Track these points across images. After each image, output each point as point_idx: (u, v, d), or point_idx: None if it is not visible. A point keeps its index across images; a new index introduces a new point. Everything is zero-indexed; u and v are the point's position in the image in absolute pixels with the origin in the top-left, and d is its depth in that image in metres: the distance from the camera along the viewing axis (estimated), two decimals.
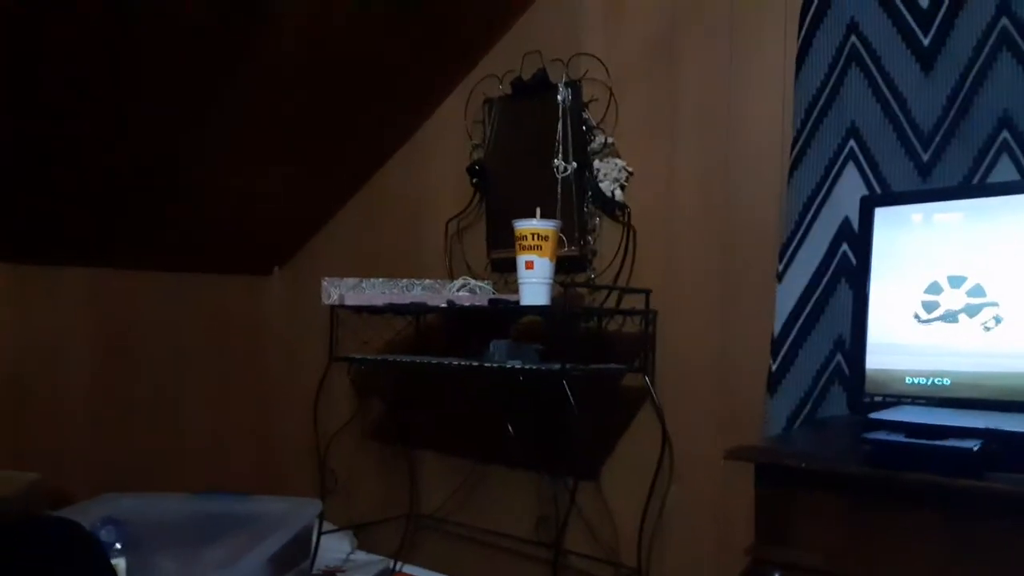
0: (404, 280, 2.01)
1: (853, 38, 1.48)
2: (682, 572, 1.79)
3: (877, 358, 1.29)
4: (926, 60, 1.41)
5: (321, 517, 1.95)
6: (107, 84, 1.72)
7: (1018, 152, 1.32)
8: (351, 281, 1.96)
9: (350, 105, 2.16)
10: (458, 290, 1.96)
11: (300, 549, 1.79)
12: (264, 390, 2.73)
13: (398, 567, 2.34)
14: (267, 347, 2.74)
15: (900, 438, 0.92)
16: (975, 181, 1.35)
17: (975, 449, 0.86)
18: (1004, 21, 1.33)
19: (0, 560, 0.86)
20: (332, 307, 1.99)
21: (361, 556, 2.42)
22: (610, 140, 1.86)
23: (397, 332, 2.30)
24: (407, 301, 1.89)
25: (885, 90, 1.45)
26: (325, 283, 1.95)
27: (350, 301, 1.92)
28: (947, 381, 1.21)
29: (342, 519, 2.39)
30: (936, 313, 1.24)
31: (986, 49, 1.34)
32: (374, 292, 1.95)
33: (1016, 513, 0.83)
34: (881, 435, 0.94)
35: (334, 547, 2.37)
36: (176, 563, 1.39)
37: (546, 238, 1.60)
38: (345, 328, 2.10)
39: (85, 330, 2.23)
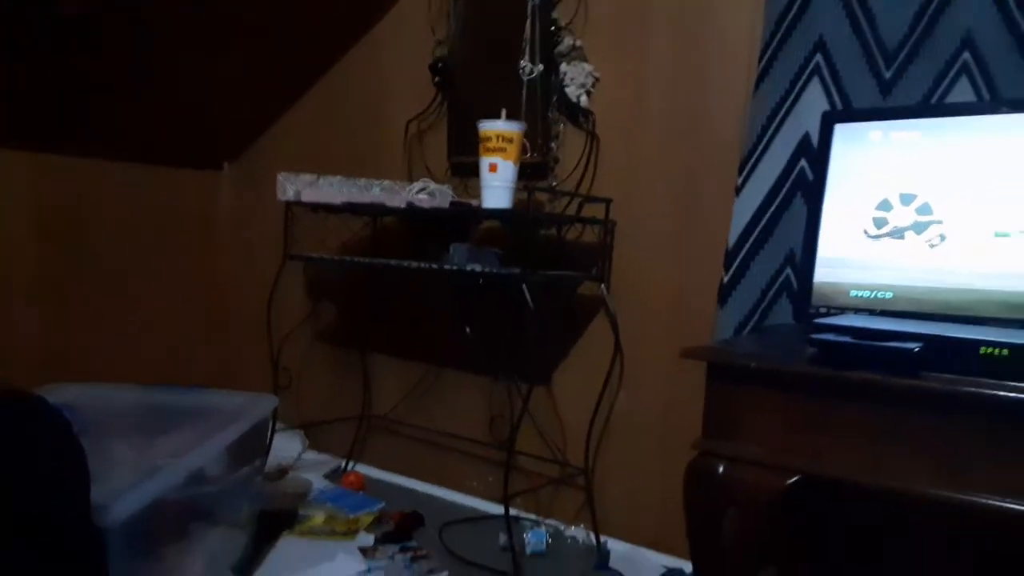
0: (362, 180, 1.98)
1: None
2: (626, 470, 1.87)
3: (825, 271, 1.33)
4: None
5: (274, 414, 1.97)
6: None
7: (976, 74, 1.34)
8: (308, 177, 1.92)
9: None
10: (417, 192, 1.94)
11: (255, 443, 1.81)
12: (216, 286, 2.69)
13: (350, 466, 2.39)
14: (219, 243, 2.69)
15: (846, 339, 0.97)
16: (934, 101, 1.37)
17: (916, 350, 0.91)
18: None
19: None
20: (287, 204, 1.95)
21: (312, 455, 2.46)
22: (578, 43, 1.83)
23: (353, 233, 2.28)
24: (366, 200, 1.86)
25: (855, 4, 1.45)
26: (281, 178, 1.91)
27: (307, 198, 1.88)
28: (889, 295, 1.26)
29: (293, 419, 2.42)
30: (885, 229, 1.28)
31: None
32: (331, 190, 1.91)
33: (948, 409, 0.89)
34: (828, 336, 0.98)
35: (285, 446, 2.39)
36: (132, 451, 1.39)
37: (511, 140, 1.58)
38: (300, 227, 2.07)
39: (30, 216, 2.15)
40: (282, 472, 2.29)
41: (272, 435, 2.07)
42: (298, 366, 2.46)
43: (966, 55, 1.35)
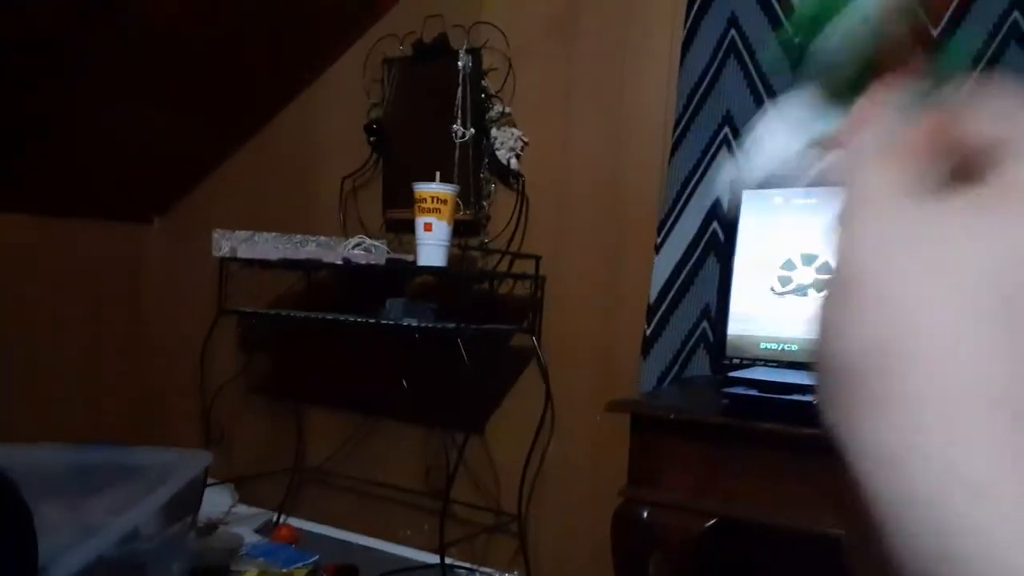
0: (298, 236, 2.02)
1: (732, 31, 1.62)
2: (558, 517, 1.93)
3: (737, 325, 1.45)
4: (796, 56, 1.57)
5: (207, 470, 1.96)
6: None
7: None
8: (243, 234, 1.95)
9: (233, 49, 2.09)
10: (353, 248, 1.99)
11: (188, 500, 1.80)
12: (143, 342, 2.65)
13: (282, 520, 2.37)
14: (146, 298, 2.66)
15: (753, 392, 1.07)
16: None
17: (815, 402, 1.01)
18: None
19: None
20: (222, 260, 1.97)
21: (243, 509, 2.43)
22: (507, 110, 1.94)
23: (288, 287, 2.31)
24: (303, 256, 1.90)
25: (758, 81, 1.60)
26: (216, 235, 1.93)
27: (243, 254, 1.91)
28: (795, 347, 1.38)
29: (223, 473, 2.39)
30: (789, 287, 1.40)
31: None
32: (267, 246, 1.95)
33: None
34: (738, 390, 1.08)
35: (214, 500, 2.36)
36: (60, 512, 1.38)
37: (445, 202, 1.66)
38: (232, 282, 2.09)
39: None
40: (212, 527, 2.25)
41: (203, 490, 2.05)
42: (229, 420, 2.44)
43: None
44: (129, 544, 1.43)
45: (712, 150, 1.62)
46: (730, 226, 1.48)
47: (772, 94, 1.59)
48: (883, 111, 0.24)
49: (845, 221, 0.20)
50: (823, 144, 0.26)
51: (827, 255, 0.23)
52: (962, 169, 0.20)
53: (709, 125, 1.63)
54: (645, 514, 1.11)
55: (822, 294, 0.19)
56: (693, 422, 1.09)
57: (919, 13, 0.25)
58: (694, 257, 1.64)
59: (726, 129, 1.61)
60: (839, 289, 0.19)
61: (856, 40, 0.25)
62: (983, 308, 0.17)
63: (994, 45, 1.37)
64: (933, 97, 0.23)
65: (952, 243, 0.18)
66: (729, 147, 1.61)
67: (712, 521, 1.07)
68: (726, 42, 1.62)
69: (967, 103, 0.20)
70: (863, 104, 0.25)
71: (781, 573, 1.49)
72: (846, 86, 0.25)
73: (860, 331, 0.18)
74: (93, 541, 1.22)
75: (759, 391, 1.07)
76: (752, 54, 1.60)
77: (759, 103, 1.60)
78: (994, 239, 0.17)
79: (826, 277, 0.19)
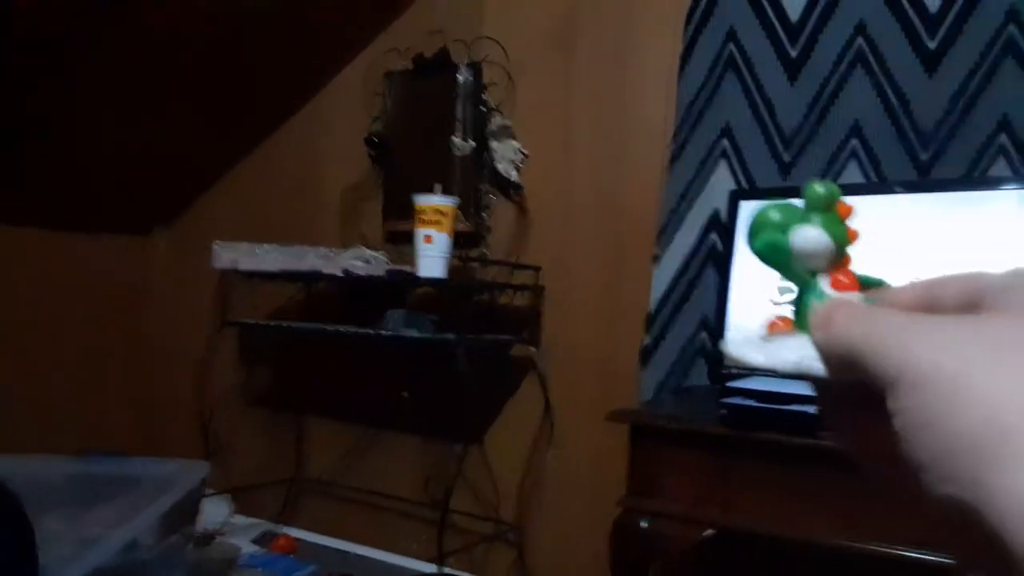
0: (298, 247, 2.03)
1: (731, 45, 1.63)
2: (557, 527, 1.93)
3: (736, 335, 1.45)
4: (792, 70, 1.58)
5: (204, 480, 1.96)
6: None
7: (864, 158, 1.51)
8: (244, 246, 1.96)
9: (238, 62, 2.11)
10: (353, 259, 2.00)
11: (186, 511, 1.80)
12: (144, 354, 2.66)
13: (279, 530, 2.37)
14: (148, 309, 2.67)
15: (751, 403, 1.08)
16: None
17: (812, 412, 1.02)
18: (860, 40, 1.52)
19: None
20: (222, 271, 1.98)
21: (240, 519, 2.43)
22: (507, 123, 1.95)
23: (288, 298, 2.31)
24: (303, 268, 1.91)
25: (756, 95, 1.61)
26: (217, 247, 1.94)
27: (244, 266, 1.92)
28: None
29: (221, 484, 2.39)
30: (788, 297, 1.40)
31: (843, 65, 1.53)
32: (268, 258, 1.95)
33: (843, 466, 1.00)
34: (736, 400, 1.09)
35: (211, 511, 2.35)
36: (62, 524, 1.38)
37: (445, 214, 1.67)
38: (233, 293, 2.10)
39: None
40: (210, 538, 2.25)
41: (202, 500, 2.05)
42: (229, 431, 2.44)
43: (854, 142, 1.52)
44: (128, 555, 1.43)
45: (711, 161, 1.63)
46: (728, 236, 1.49)
47: (770, 107, 1.60)
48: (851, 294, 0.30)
49: (878, 343, 0.23)
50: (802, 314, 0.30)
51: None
52: None
53: (708, 137, 1.64)
54: (644, 524, 1.11)
55: (899, 403, 0.22)
56: (692, 432, 1.10)
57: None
58: (693, 267, 1.65)
59: (724, 140, 1.62)
60: (924, 385, 0.21)
61: (821, 241, 0.31)
62: None
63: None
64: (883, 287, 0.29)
65: (1010, 328, 0.22)
66: (727, 158, 1.62)
67: (711, 531, 1.07)
68: (724, 56, 1.64)
69: (928, 283, 0.26)
70: (838, 278, 0.30)
71: None
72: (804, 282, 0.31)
73: (972, 405, 0.20)
74: (92, 552, 1.22)
75: (757, 401, 1.08)
76: (751, 68, 1.62)
77: (757, 116, 1.61)
78: None
79: (898, 386, 0.22)
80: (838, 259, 0.31)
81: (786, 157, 1.59)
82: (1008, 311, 0.23)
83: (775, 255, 0.31)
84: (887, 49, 1.49)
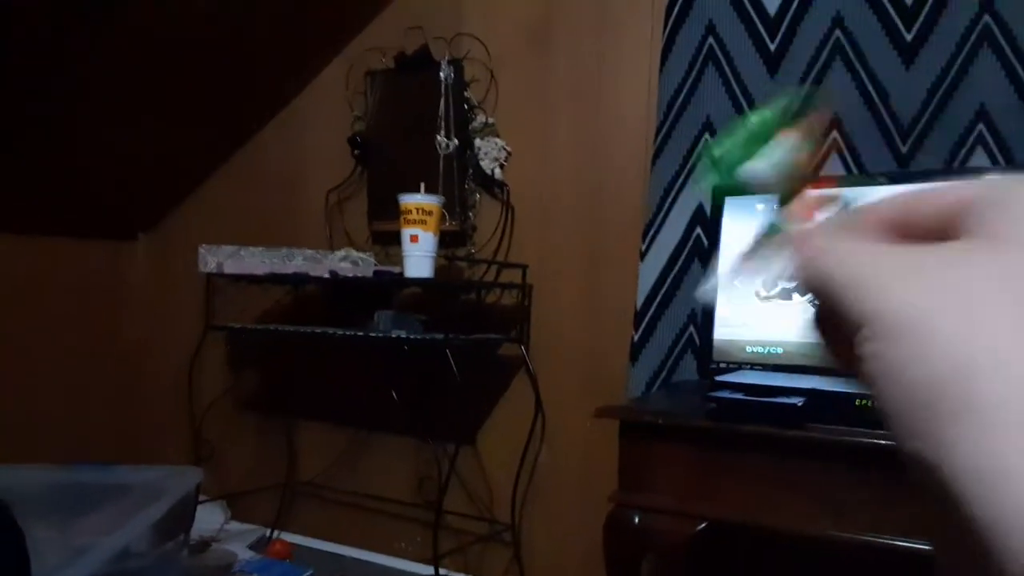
0: (284, 249, 2.02)
1: (710, 39, 1.64)
2: (551, 524, 1.94)
3: (723, 330, 1.46)
4: (772, 63, 1.59)
5: (198, 487, 1.95)
6: None
7: (847, 152, 1.52)
8: (229, 249, 1.95)
9: (217, 65, 2.09)
10: (340, 261, 2.00)
11: (179, 518, 1.79)
12: (130, 360, 2.64)
13: (275, 535, 2.36)
14: (133, 315, 2.65)
15: (739, 396, 1.08)
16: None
17: (799, 404, 1.03)
18: (837, 33, 1.53)
19: None
20: (208, 275, 1.97)
21: (235, 526, 2.42)
22: (490, 120, 1.95)
23: (275, 301, 2.31)
24: (289, 271, 1.90)
25: (736, 88, 1.62)
26: (202, 250, 1.93)
27: (229, 269, 1.91)
28: (780, 350, 1.39)
29: (214, 490, 2.38)
30: (774, 292, 1.42)
31: (822, 57, 1.54)
32: (254, 261, 1.95)
33: (828, 456, 1.01)
34: (723, 394, 1.10)
35: (206, 518, 2.35)
36: (52, 532, 1.38)
37: (430, 213, 1.67)
38: (219, 297, 2.09)
39: None
40: (205, 545, 2.25)
41: (195, 507, 2.05)
42: (219, 436, 2.43)
43: (834, 134, 1.53)
44: (120, 563, 1.43)
45: (694, 156, 1.64)
46: (713, 232, 1.50)
47: (750, 99, 1.61)
48: (822, 208, 0.28)
49: (848, 282, 0.22)
50: (771, 243, 0.29)
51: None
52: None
53: (690, 131, 1.65)
54: (636, 519, 1.12)
55: (865, 349, 0.21)
56: (681, 427, 1.11)
57: (819, 144, 0.30)
58: (679, 262, 1.66)
59: (707, 135, 1.63)
60: (890, 333, 0.20)
61: (771, 174, 0.29)
62: None
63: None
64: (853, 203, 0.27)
65: (987, 267, 0.20)
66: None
67: (703, 524, 1.08)
68: (704, 49, 1.64)
69: (904, 200, 0.23)
70: (801, 204, 0.29)
71: (772, 575, 1.50)
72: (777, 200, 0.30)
73: (938, 356, 0.19)
74: (84, 561, 1.22)
75: (745, 394, 1.09)
76: (730, 61, 1.63)
77: (738, 108, 1.62)
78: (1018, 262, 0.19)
79: (865, 332, 0.21)
80: (804, 178, 0.29)
81: None
82: (989, 239, 0.20)
83: (731, 191, 0.32)
84: (864, 42, 1.50)
